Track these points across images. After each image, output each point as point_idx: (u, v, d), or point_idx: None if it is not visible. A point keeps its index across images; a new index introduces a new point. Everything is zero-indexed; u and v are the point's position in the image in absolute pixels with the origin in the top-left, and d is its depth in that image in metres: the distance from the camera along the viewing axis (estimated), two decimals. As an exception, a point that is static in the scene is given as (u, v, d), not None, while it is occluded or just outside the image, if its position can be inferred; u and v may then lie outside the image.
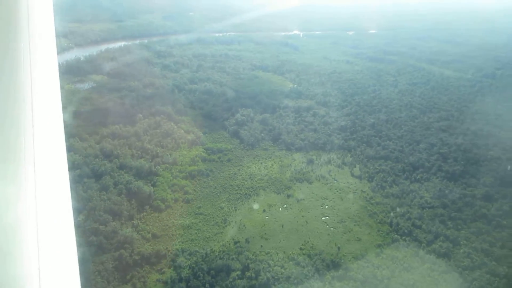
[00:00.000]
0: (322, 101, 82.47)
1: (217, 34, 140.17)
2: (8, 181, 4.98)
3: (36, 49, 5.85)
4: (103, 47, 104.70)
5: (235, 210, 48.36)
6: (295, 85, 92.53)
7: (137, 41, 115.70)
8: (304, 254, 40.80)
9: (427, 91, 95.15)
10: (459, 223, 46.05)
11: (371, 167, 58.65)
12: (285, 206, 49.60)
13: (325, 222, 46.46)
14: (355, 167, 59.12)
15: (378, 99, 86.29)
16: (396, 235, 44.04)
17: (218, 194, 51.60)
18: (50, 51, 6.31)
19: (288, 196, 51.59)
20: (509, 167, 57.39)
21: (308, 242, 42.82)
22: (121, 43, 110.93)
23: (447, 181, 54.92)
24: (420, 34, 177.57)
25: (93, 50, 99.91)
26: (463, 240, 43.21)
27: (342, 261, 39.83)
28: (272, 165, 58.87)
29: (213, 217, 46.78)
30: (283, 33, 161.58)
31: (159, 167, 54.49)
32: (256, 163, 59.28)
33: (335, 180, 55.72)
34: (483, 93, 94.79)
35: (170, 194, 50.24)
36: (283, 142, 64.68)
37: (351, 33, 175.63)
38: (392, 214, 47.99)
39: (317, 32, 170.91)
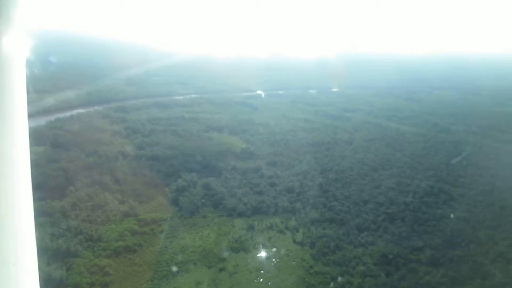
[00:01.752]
0: (272, 161, 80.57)
1: (177, 97, 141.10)
2: None
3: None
4: (55, 116, 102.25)
5: (157, 292, 43.14)
6: (248, 145, 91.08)
7: (92, 109, 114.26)
8: None
9: (381, 147, 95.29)
10: (401, 293, 42.09)
11: (315, 231, 55.04)
12: (215, 282, 44.68)
13: (256, 301, 41.67)
14: (298, 231, 55.42)
15: (330, 157, 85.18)
16: (332, 313, 39.54)
17: (142, 273, 46.35)
18: (21, 123, 5.95)
19: (221, 270, 46.82)
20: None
21: (232, 327, 37.72)
22: (75, 111, 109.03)
23: (393, 245, 51.56)
24: (379, 91, 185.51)
25: (42, 121, 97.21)
26: (404, 315, 39.04)
27: None
28: (209, 234, 54.55)
29: (129, 303, 41.36)
30: (245, 94, 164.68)
31: (80, 246, 49.33)
32: (191, 233, 54.83)
33: (274, 247, 51.65)
34: (437, 148, 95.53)
35: (86, 278, 44.63)
36: (224, 208, 60.94)
37: (313, 91, 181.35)
38: (331, 285, 43.85)
39: (280, 92, 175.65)
